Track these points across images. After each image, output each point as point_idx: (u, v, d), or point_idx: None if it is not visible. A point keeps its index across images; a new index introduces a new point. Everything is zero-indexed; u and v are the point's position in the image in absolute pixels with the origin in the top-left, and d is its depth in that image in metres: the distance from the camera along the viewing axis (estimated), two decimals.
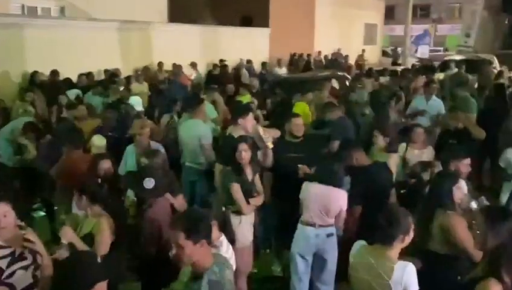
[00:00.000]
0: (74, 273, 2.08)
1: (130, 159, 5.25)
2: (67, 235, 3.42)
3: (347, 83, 11.27)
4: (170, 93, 10.94)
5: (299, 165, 4.99)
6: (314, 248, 4.27)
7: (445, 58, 17.23)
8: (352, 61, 20.53)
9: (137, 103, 7.64)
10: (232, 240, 3.45)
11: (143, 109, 7.79)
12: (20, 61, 10.64)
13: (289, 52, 19.41)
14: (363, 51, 23.19)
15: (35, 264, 3.19)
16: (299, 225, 4.33)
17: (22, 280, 3.11)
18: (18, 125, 6.49)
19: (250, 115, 5.20)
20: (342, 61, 19.72)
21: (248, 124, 5.13)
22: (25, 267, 3.14)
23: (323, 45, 21.82)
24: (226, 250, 3.23)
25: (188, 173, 6.07)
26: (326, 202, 4.18)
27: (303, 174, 4.89)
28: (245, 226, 4.30)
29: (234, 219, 4.20)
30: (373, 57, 25.74)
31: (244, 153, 4.34)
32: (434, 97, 8.06)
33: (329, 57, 20.83)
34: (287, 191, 4.69)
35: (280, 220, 5.07)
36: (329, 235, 4.26)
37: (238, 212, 4.26)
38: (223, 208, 3.61)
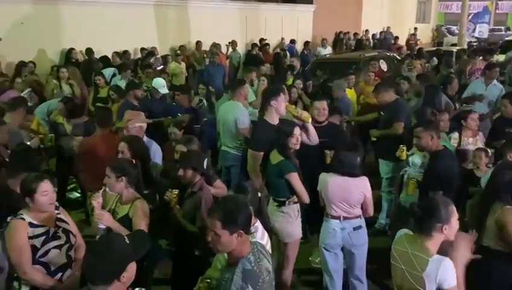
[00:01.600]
0: (106, 256, 2.14)
1: None
2: (105, 219, 3.53)
3: (395, 64, 11.01)
4: (207, 74, 11.06)
5: (327, 151, 4.91)
6: (341, 242, 4.20)
7: (507, 39, 16.51)
8: (402, 41, 20.01)
9: (161, 85, 7.65)
10: (267, 227, 3.46)
11: (168, 92, 7.83)
12: (56, 39, 10.97)
13: (334, 31, 19.08)
14: (415, 29, 22.55)
15: (68, 244, 3.34)
16: (324, 218, 4.28)
17: (55, 259, 3.25)
18: (54, 105, 6.70)
19: (282, 96, 5.09)
20: (391, 40, 19.25)
21: (281, 105, 5.03)
22: (59, 247, 3.29)
23: (371, 23, 21.34)
24: (262, 236, 3.24)
25: (224, 158, 6.11)
26: (346, 193, 4.10)
27: (329, 160, 4.81)
28: (298, 219, 4.31)
29: (290, 210, 4.22)
30: (426, 36, 24.98)
31: (298, 138, 4.31)
32: (495, 82, 7.72)
33: (378, 36, 20.38)
34: (312, 179, 4.57)
35: (309, 210, 5.00)
36: (356, 228, 4.17)
37: (289, 203, 4.24)
38: (259, 194, 3.61)
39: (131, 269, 2.19)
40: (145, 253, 2.30)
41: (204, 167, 3.98)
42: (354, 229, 4.16)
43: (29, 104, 6.64)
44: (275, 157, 4.30)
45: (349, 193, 4.09)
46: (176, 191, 3.91)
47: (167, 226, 4.02)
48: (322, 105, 5.26)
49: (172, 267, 4.16)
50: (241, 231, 2.47)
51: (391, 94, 6.23)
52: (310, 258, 5.34)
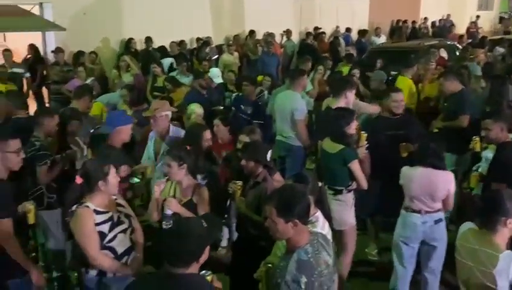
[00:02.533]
0: (188, 238, 2.21)
1: (149, 145, 5.03)
2: (173, 205, 3.63)
3: (457, 53, 10.62)
4: (262, 63, 11.09)
5: (402, 144, 4.83)
6: (422, 236, 4.16)
7: None
8: (463, 29, 19.24)
9: (216, 75, 7.77)
10: (328, 217, 3.46)
11: (223, 81, 7.92)
12: (117, 29, 11.31)
13: (391, 19, 18.59)
14: (477, 17, 21.61)
15: (131, 227, 3.44)
16: (403, 212, 4.22)
17: (122, 243, 3.35)
18: (114, 99, 6.96)
19: (353, 90, 5.14)
20: (451, 29, 18.56)
21: (352, 97, 5.09)
22: (124, 231, 3.39)
23: (431, 10, 20.59)
24: (322, 226, 3.23)
25: (279, 148, 6.14)
26: (432, 187, 4.02)
27: (405, 153, 4.73)
28: (353, 207, 4.37)
29: (346, 198, 4.29)
30: (488, 24, 23.89)
31: (354, 125, 4.35)
32: None
33: (437, 24, 19.68)
34: (384, 171, 4.58)
35: (377, 201, 4.97)
36: (437, 221, 4.11)
37: (347, 192, 4.30)
38: (319, 184, 3.60)
39: (207, 250, 2.27)
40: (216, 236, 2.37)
41: (268, 159, 4.00)
42: (435, 222, 4.11)
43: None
44: (332, 146, 4.30)
45: (435, 188, 4.04)
46: (239, 183, 3.95)
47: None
48: (400, 97, 5.19)
49: (232, 257, 4.23)
50: (296, 221, 2.47)
51: (456, 84, 6.03)
52: (366, 250, 5.31)
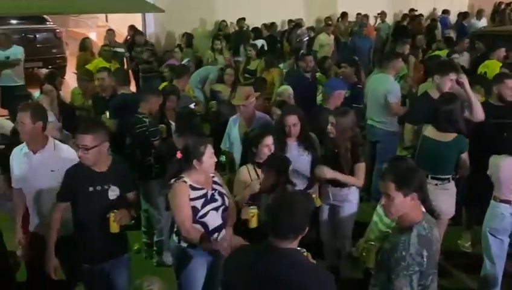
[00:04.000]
0: (293, 211, 2.26)
1: (233, 131, 4.91)
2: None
3: None
4: (353, 46, 10.88)
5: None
6: (510, 227, 4.01)
7: None
8: None
9: None
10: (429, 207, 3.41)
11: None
12: (212, 10, 11.60)
13: (493, 1, 17.35)
14: None
15: (223, 206, 3.52)
16: (492, 202, 4.08)
17: (213, 220, 3.47)
18: (203, 73, 7.15)
19: (450, 75, 4.86)
20: None
21: (445, 84, 4.83)
22: (216, 209, 3.48)
23: None
24: None
25: (370, 133, 6.04)
26: None
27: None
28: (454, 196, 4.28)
29: (452, 187, 4.22)
30: None
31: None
32: None
33: None
34: (482, 160, 4.37)
35: (472, 191, 4.77)
36: None
37: (452, 180, 4.22)
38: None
39: (306, 227, 2.32)
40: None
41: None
42: None
43: None
44: (441, 134, 4.16)
45: None
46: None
47: None
48: None
49: None
50: (415, 194, 2.49)
51: None
52: (458, 242, 5.14)
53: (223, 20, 11.42)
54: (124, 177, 3.54)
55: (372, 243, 2.84)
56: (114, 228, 3.33)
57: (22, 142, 3.76)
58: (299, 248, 2.42)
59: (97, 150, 3.30)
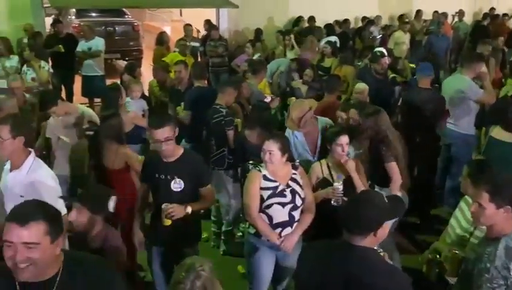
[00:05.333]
0: (368, 207, 2.25)
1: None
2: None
3: None
4: (429, 45, 10.52)
5: None
6: None
7: None
8: None
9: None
10: None
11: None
12: (285, 6, 11.65)
13: None
14: None
15: (293, 204, 3.51)
16: None
17: (277, 215, 3.50)
18: (272, 66, 7.13)
19: None
20: None
21: None
22: (282, 204, 3.49)
23: None
24: None
25: (446, 134, 5.85)
26: None
27: None
28: None
29: None
30: None
31: None
32: None
33: None
34: None
35: None
36: None
37: None
38: None
39: (386, 227, 2.29)
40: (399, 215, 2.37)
41: None
42: None
43: None
44: (506, 135, 3.97)
45: None
46: None
47: None
48: None
49: None
50: (509, 207, 2.43)
51: None
52: None
53: (300, 16, 11.40)
54: (195, 170, 3.55)
55: (457, 251, 2.77)
56: (165, 221, 3.37)
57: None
58: (375, 248, 2.40)
59: (173, 141, 3.42)
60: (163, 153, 3.43)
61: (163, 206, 3.37)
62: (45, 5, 10.04)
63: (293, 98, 6.47)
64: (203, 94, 5.44)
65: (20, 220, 1.86)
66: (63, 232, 1.99)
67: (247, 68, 6.56)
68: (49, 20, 10.59)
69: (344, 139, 3.85)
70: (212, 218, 5.28)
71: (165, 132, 3.35)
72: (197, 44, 9.67)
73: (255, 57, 8.55)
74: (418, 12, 12.74)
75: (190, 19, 11.88)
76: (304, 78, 6.75)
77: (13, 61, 7.26)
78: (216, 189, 5.00)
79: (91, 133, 4.32)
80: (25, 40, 8.69)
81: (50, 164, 4.79)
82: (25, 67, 7.17)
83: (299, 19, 11.34)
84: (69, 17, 12.86)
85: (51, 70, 7.76)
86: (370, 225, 2.23)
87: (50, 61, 8.31)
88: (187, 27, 9.97)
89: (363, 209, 2.23)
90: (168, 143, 3.38)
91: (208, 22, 10.61)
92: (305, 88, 6.52)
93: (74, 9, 12.92)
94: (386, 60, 6.69)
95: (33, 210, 1.91)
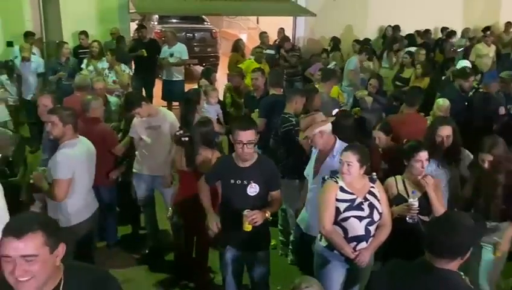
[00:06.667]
0: (459, 230, 2.16)
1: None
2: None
3: None
4: None
5: None
6: None
7: None
8: None
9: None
10: None
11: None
12: (363, 15, 11.49)
13: None
14: None
15: (370, 219, 3.41)
16: None
17: (353, 228, 3.40)
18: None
19: None
20: None
21: None
22: (359, 218, 3.40)
23: None
24: None
25: None
26: None
27: None
28: None
29: None
30: None
31: None
32: None
33: None
34: None
35: None
36: None
37: None
38: None
39: (468, 252, 2.19)
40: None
41: None
42: None
43: None
44: None
45: None
46: None
47: None
48: None
49: None
50: None
51: None
52: None
53: (389, 26, 11.19)
54: (269, 175, 3.58)
55: None
56: (246, 226, 3.39)
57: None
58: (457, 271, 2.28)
59: (253, 145, 3.45)
60: (242, 156, 3.46)
61: (245, 212, 3.39)
62: (131, 11, 10.52)
63: (357, 108, 6.35)
64: (278, 102, 5.45)
65: (16, 232, 1.77)
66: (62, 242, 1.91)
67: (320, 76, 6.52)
68: (133, 26, 11.11)
69: (423, 154, 3.71)
70: (279, 227, 5.27)
71: (249, 135, 3.38)
72: (272, 52, 9.74)
73: (330, 65, 8.49)
74: (507, 24, 12.06)
75: (266, 27, 12.00)
76: (369, 89, 6.60)
77: (104, 63, 7.69)
78: (284, 198, 4.99)
79: (186, 139, 4.43)
80: (111, 44, 9.16)
81: (132, 163, 5.07)
82: (107, 70, 7.57)
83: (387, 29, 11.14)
84: (152, 23, 13.42)
85: (131, 73, 8.11)
86: (461, 250, 2.15)
87: (132, 65, 8.71)
88: (263, 34, 10.06)
89: (455, 234, 2.14)
90: (250, 146, 3.41)
91: (281, 31, 10.63)
92: (371, 99, 6.37)
93: (157, 16, 13.46)
94: (472, 78, 6.30)
95: (29, 221, 1.84)
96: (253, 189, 3.49)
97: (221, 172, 3.65)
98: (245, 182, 3.51)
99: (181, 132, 4.54)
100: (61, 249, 1.90)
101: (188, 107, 5.08)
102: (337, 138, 4.10)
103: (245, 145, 3.39)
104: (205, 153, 4.30)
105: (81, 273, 2.03)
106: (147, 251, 5.23)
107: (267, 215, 3.47)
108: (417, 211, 3.55)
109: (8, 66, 7.80)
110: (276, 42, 10.62)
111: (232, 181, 3.54)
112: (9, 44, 9.12)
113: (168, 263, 5.03)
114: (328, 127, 4.06)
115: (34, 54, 8.11)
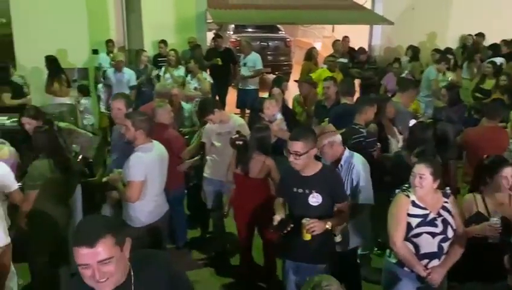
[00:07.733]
0: None
1: None
2: None
3: None
4: None
5: None
6: None
7: None
8: None
9: None
10: None
11: None
12: (445, 24, 11.08)
13: None
14: None
15: (444, 235, 3.28)
16: None
17: (426, 245, 3.28)
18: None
19: None
20: None
21: None
22: (432, 234, 3.27)
23: None
24: None
25: None
26: None
27: None
28: None
29: None
30: None
31: None
32: None
33: None
34: None
35: None
36: None
37: None
38: None
39: None
40: None
41: None
42: None
43: None
44: None
45: None
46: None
47: None
48: None
49: None
50: None
51: None
52: None
53: (469, 34, 10.74)
54: (333, 186, 3.51)
55: None
56: (305, 235, 3.33)
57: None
58: None
59: (307, 156, 3.37)
60: (292, 165, 3.42)
61: (303, 221, 3.33)
62: (208, 20, 10.83)
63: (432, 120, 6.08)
64: (348, 112, 5.35)
65: (88, 241, 1.87)
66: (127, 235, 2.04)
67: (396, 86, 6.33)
68: (210, 35, 11.42)
69: (509, 171, 3.51)
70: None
71: (295, 146, 3.34)
72: (345, 60, 9.61)
73: (403, 74, 8.27)
74: None
75: (342, 36, 11.87)
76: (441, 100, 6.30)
77: (180, 71, 7.95)
78: None
79: (240, 142, 4.53)
80: (188, 53, 9.48)
81: (203, 167, 5.22)
82: (188, 77, 7.81)
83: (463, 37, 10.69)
84: (228, 32, 13.73)
85: (211, 81, 8.31)
86: None
87: (208, 73, 8.94)
88: (336, 43, 9.97)
89: None
90: (297, 157, 3.35)
91: (346, 40, 10.38)
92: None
93: (233, 25, 13.75)
94: None
95: (96, 227, 1.93)
96: (314, 199, 3.43)
97: (286, 181, 3.65)
98: (307, 191, 3.46)
99: (237, 135, 4.62)
100: (128, 243, 2.02)
101: (254, 115, 5.17)
102: (346, 148, 4.01)
103: (291, 155, 3.36)
104: (258, 158, 4.38)
105: (146, 259, 2.16)
106: (213, 254, 5.33)
107: (327, 226, 3.36)
108: (500, 231, 3.36)
109: (104, 75, 8.21)
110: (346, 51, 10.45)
111: (295, 189, 3.52)
112: (95, 52, 9.62)
113: (233, 267, 5.11)
114: (338, 138, 3.98)
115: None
